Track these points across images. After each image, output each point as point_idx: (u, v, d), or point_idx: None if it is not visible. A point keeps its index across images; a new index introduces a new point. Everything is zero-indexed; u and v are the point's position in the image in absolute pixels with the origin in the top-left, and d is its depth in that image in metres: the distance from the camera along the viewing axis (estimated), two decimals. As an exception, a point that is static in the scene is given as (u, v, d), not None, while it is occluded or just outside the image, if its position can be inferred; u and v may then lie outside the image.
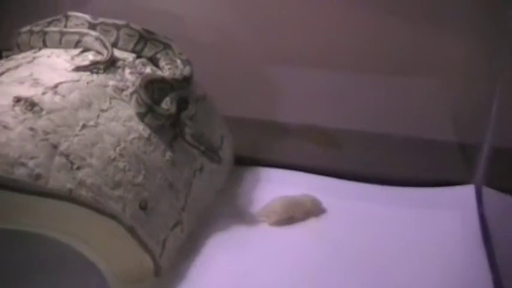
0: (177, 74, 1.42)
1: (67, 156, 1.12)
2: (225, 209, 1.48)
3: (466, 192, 1.56)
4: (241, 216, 1.45)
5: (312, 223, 1.44)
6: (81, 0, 1.67)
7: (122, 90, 1.35)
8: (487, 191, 1.53)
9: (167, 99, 1.35)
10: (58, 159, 1.10)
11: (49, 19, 1.53)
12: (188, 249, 1.32)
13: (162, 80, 1.37)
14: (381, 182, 1.61)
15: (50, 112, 1.17)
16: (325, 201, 1.50)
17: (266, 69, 1.69)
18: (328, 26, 1.63)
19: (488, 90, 1.52)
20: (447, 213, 1.47)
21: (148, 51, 1.49)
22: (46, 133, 1.12)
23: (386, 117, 1.65)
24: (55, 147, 1.12)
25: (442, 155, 1.64)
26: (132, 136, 1.26)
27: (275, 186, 1.54)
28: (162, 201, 1.25)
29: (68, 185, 1.09)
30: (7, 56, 1.46)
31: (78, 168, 1.12)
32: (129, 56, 1.46)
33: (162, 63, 1.48)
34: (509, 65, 1.47)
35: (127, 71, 1.41)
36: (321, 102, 1.68)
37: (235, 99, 1.67)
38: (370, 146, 1.68)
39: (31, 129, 1.11)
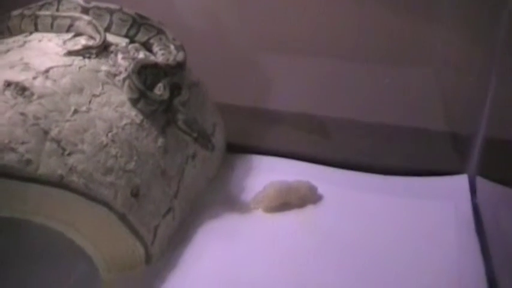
0: (171, 59, 1.41)
1: (58, 142, 1.11)
2: (217, 196, 1.47)
3: (460, 182, 1.55)
4: (233, 203, 1.44)
5: (303, 211, 1.43)
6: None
7: (115, 75, 1.34)
8: (481, 181, 1.52)
9: (160, 85, 1.33)
10: (49, 145, 1.09)
11: (41, 2, 1.50)
12: (180, 237, 1.31)
13: (155, 66, 1.35)
14: (374, 171, 1.60)
15: (41, 97, 1.16)
16: (318, 188, 1.49)
17: (259, 56, 1.68)
18: (321, 15, 1.61)
19: (482, 80, 1.51)
20: (440, 203, 1.46)
21: (141, 37, 1.47)
22: (37, 118, 1.11)
23: (379, 106, 1.64)
24: (46, 132, 1.10)
25: (436, 144, 1.63)
26: (124, 122, 1.25)
27: (267, 173, 1.53)
28: (154, 188, 1.24)
29: (59, 171, 1.08)
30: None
31: (70, 154, 1.11)
32: (122, 41, 1.44)
33: (155, 48, 1.47)
34: (503, 54, 1.45)
35: (120, 56, 1.39)
36: (313, 91, 1.66)
37: (227, 86, 1.66)
38: (363, 134, 1.67)
39: (22, 114, 1.10)
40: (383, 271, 1.25)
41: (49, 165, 1.07)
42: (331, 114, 1.70)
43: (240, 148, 1.67)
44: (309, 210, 1.44)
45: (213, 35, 1.68)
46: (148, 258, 1.21)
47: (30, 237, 1.19)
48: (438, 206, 1.45)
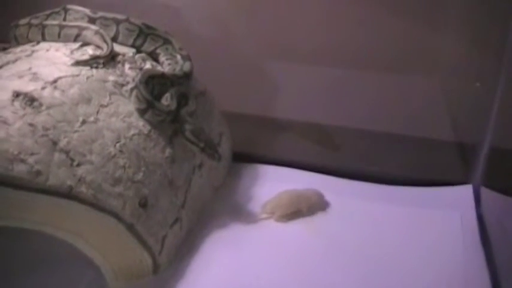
0: (177, 69, 1.41)
1: (67, 152, 1.11)
2: (223, 205, 1.47)
3: (464, 192, 1.55)
4: (240, 212, 1.45)
5: (312, 219, 1.44)
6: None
7: (122, 85, 1.34)
8: (485, 192, 1.52)
9: (167, 95, 1.34)
10: (58, 156, 1.10)
11: (48, 12, 1.51)
12: (187, 246, 1.32)
13: (162, 76, 1.36)
14: (379, 180, 1.61)
15: (49, 107, 1.16)
16: (326, 198, 1.50)
17: (265, 65, 1.69)
18: (327, 23, 1.63)
19: (487, 90, 1.52)
20: (445, 213, 1.46)
21: (148, 46, 1.47)
22: (46, 129, 1.12)
23: (384, 116, 1.65)
24: (55, 143, 1.11)
25: (441, 154, 1.64)
26: (132, 132, 1.25)
27: (273, 183, 1.53)
28: (161, 198, 1.24)
29: (68, 182, 1.08)
30: (4, 49, 1.45)
31: (78, 164, 1.12)
32: (129, 51, 1.44)
33: (162, 58, 1.47)
34: (509, 64, 1.46)
35: (127, 66, 1.40)
36: (319, 99, 1.67)
37: (234, 94, 1.66)
38: (368, 144, 1.67)
39: (30, 124, 1.10)
40: (389, 280, 1.26)
41: (58, 176, 1.07)
42: (337, 123, 1.71)
43: (247, 157, 1.67)
44: (318, 218, 1.45)
45: (220, 43, 1.69)
46: (155, 268, 1.21)
47: (39, 247, 1.19)
48: (443, 216, 1.46)
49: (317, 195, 1.48)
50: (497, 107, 1.49)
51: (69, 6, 1.50)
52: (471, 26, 1.52)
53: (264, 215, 1.43)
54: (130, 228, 1.15)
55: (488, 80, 1.52)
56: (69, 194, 1.08)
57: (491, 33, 1.50)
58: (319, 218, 1.45)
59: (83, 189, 1.09)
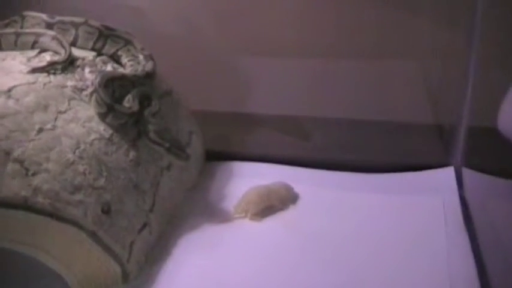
0: (139, 70, 1.37)
1: (21, 162, 1.08)
2: (196, 206, 1.43)
3: (446, 175, 1.53)
4: (214, 212, 1.41)
5: (286, 213, 1.40)
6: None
7: (82, 90, 1.31)
8: (467, 172, 1.50)
9: (129, 97, 1.30)
10: (11, 166, 1.06)
11: (6, 21, 1.47)
12: (158, 251, 1.28)
13: (122, 77, 1.32)
14: (358, 169, 1.58)
15: (2, 117, 1.13)
16: (302, 191, 1.47)
17: (233, 60, 1.65)
18: (298, 13, 1.60)
19: (463, 72, 1.49)
20: (426, 197, 1.44)
21: (109, 49, 1.44)
22: (-2, 139, 1.07)
23: (360, 103, 1.62)
24: (8, 153, 1.08)
25: (420, 138, 1.62)
26: (92, 137, 1.22)
27: (248, 179, 1.49)
28: (126, 203, 1.20)
29: (23, 193, 1.05)
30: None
31: (34, 174, 1.08)
32: (89, 55, 1.41)
33: (124, 60, 1.43)
34: (481, 45, 1.44)
35: (87, 70, 1.36)
36: (291, 92, 1.64)
37: (203, 93, 1.63)
38: (345, 133, 1.65)
39: (-18, 136, 1.06)
40: (372, 268, 1.23)
41: (12, 187, 1.04)
42: (311, 114, 1.68)
43: (220, 155, 1.63)
44: (292, 211, 1.42)
45: (186, 41, 1.65)
46: (125, 276, 1.17)
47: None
48: (424, 200, 1.43)
49: (286, 187, 1.44)
50: (471, 87, 1.47)
51: (26, 13, 1.46)
52: (442, 8, 1.50)
53: (237, 215, 1.39)
54: (93, 236, 1.11)
55: (460, 60, 1.49)
56: (24, 205, 1.04)
57: (460, 14, 1.48)
58: (292, 212, 1.42)
59: (39, 199, 1.06)
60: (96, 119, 1.26)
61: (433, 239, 1.31)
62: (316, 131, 1.68)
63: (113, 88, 1.29)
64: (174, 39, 1.64)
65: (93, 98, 1.27)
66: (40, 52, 1.38)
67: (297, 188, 1.47)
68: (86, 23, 1.43)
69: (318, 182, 1.53)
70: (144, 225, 1.24)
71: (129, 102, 1.29)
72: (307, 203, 1.45)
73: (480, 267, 1.21)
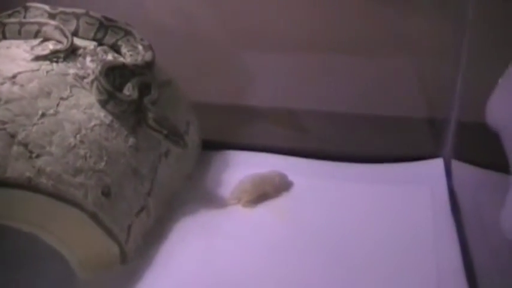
0: (139, 59, 1.41)
1: (25, 145, 1.11)
2: (193, 193, 1.47)
3: (435, 166, 1.56)
4: (210, 199, 1.45)
5: (280, 202, 1.44)
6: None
7: (83, 78, 1.34)
8: (456, 164, 1.53)
9: (129, 85, 1.33)
10: (16, 149, 1.09)
11: (9, 11, 1.51)
12: (156, 234, 1.31)
13: (122, 66, 1.35)
14: (351, 160, 1.61)
15: (7, 102, 1.16)
16: (295, 180, 1.51)
17: (231, 52, 1.68)
18: (293, 8, 1.62)
19: (453, 67, 1.53)
20: (415, 188, 1.47)
21: (109, 39, 1.47)
22: (3, 123, 1.11)
23: (353, 97, 1.64)
24: (13, 136, 1.11)
25: (411, 131, 1.64)
26: (93, 123, 1.25)
27: (243, 168, 1.53)
28: (125, 186, 1.24)
29: (27, 174, 1.08)
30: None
31: (38, 156, 1.11)
32: (90, 44, 1.44)
33: (123, 49, 1.47)
34: (471, 37, 1.47)
35: (88, 58, 1.40)
36: (288, 84, 1.67)
37: (202, 84, 1.66)
38: (338, 125, 1.67)
39: (-13, 119, 1.10)
40: (360, 255, 1.26)
41: (16, 168, 1.07)
42: (305, 107, 1.70)
43: (218, 145, 1.67)
44: (285, 199, 1.45)
45: (186, 32, 1.68)
46: (123, 257, 1.21)
47: (3, 241, 1.19)
48: (413, 191, 1.47)
49: (280, 176, 1.48)
50: (461, 82, 1.50)
51: (29, 4, 1.50)
52: (433, 4, 1.53)
53: (232, 202, 1.43)
54: (94, 217, 1.14)
55: (451, 56, 1.53)
56: (28, 186, 1.07)
57: (451, 10, 1.51)
58: (285, 200, 1.45)
59: (43, 180, 1.09)
60: (97, 105, 1.29)
61: (421, 227, 1.34)
62: (310, 124, 1.70)
63: (113, 76, 1.32)
64: (174, 31, 1.67)
65: (94, 85, 1.30)
66: (43, 41, 1.42)
67: (291, 177, 1.51)
68: (86, 14, 1.46)
69: (311, 172, 1.57)
70: (142, 209, 1.27)
71: (129, 90, 1.33)
72: (300, 192, 1.48)
73: (466, 256, 1.25)
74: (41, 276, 1.19)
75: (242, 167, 1.55)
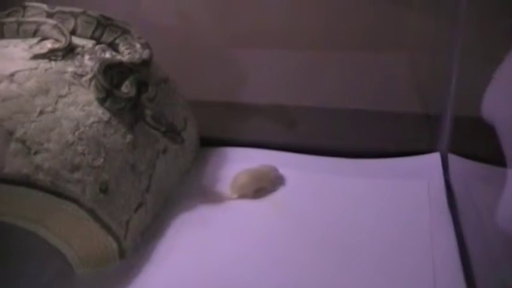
0: (136, 57, 1.42)
1: (23, 142, 1.12)
2: (191, 189, 1.48)
3: (432, 160, 1.57)
4: (207, 195, 1.46)
5: (276, 196, 1.45)
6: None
7: (81, 76, 1.35)
8: (453, 158, 1.54)
9: (127, 83, 1.35)
10: (14, 145, 1.11)
11: (7, 11, 1.52)
12: (154, 230, 1.33)
13: (120, 64, 1.36)
14: (347, 155, 1.62)
15: (5, 100, 1.17)
16: (291, 174, 1.52)
17: (228, 50, 1.69)
18: (289, 5, 1.63)
19: (448, 61, 1.53)
20: (413, 182, 1.48)
21: (107, 37, 1.48)
22: (1, 120, 1.13)
23: (350, 92, 1.65)
24: (11, 133, 1.12)
25: (408, 126, 1.65)
26: (91, 120, 1.26)
27: (239, 164, 1.53)
28: (123, 183, 1.25)
29: (25, 170, 1.09)
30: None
31: (36, 153, 1.13)
32: (89, 43, 1.45)
33: (121, 48, 1.48)
34: (466, 36, 1.47)
35: (86, 57, 1.41)
36: (284, 81, 1.68)
37: (199, 82, 1.67)
38: (336, 121, 1.68)
39: (-15, 117, 1.11)
40: (357, 248, 1.27)
41: (14, 164, 1.08)
42: (302, 103, 1.71)
43: (215, 141, 1.68)
44: (281, 193, 1.46)
45: (184, 31, 1.70)
46: (121, 253, 1.22)
47: (1, 238, 1.20)
48: (411, 184, 1.47)
49: (273, 170, 1.49)
50: (456, 77, 1.51)
51: (27, 3, 1.51)
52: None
53: (230, 197, 1.44)
54: (91, 213, 1.15)
55: (447, 51, 1.53)
56: (26, 182, 1.09)
57: (445, 5, 1.52)
58: (281, 193, 1.46)
59: (41, 176, 1.10)
60: (95, 103, 1.30)
61: (418, 220, 1.35)
62: (306, 119, 1.72)
63: (111, 74, 1.33)
64: (171, 30, 1.68)
65: (93, 83, 1.31)
66: (41, 40, 1.43)
67: (287, 172, 1.52)
68: (84, 13, 1.47)
69: (307, 167, 1.57)
70: (140, 205, 1.29)
71: (127, 88, 1.34)
72: (296, 186, 1.49)
73: (462, 248, 1.25)
74: (39, 272, 1.20)
75: (239, 163, 1.56)
